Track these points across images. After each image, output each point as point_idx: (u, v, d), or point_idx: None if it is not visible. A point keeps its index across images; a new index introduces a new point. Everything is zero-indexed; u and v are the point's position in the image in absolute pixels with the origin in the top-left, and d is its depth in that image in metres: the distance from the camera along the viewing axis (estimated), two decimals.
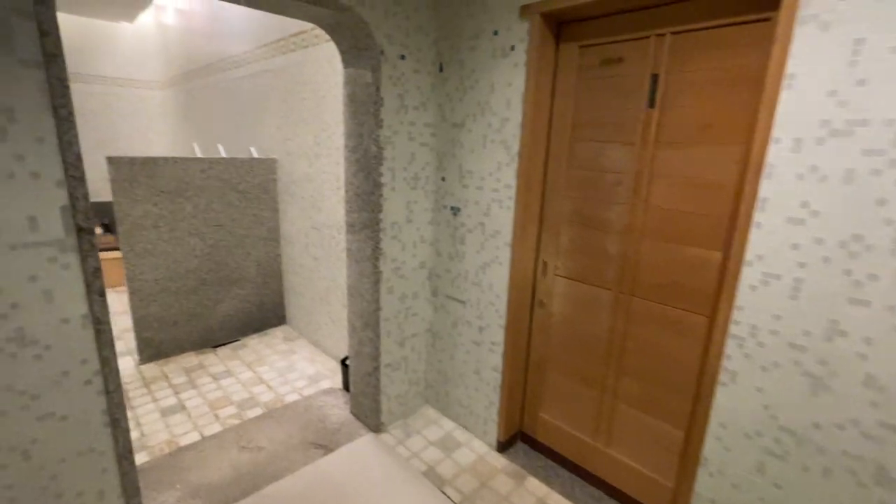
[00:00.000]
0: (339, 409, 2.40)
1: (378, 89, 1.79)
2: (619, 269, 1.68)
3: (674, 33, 1.41)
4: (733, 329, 1.31)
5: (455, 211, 2.07)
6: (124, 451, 1.39)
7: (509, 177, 1.81)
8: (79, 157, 1.16)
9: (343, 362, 2.59)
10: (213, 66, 3.96)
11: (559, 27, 1.69)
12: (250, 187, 3.27)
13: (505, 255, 1.89)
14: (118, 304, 4.00)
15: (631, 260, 1.64)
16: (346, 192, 2.04)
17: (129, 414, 2.44)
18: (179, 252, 3.01)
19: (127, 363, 2.99)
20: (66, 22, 4.83)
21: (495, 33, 1.75)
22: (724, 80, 1.34)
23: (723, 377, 1.36)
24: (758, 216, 1.23)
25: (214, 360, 3.08)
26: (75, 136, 1.15)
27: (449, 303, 2.20)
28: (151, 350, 3.02)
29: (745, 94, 1.30)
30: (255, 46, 3.26)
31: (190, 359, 3.09)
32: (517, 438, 2.18)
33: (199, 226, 3.06)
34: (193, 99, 4.54)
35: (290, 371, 2.95)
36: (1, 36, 1.03)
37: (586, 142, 1.69)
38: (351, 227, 2.06)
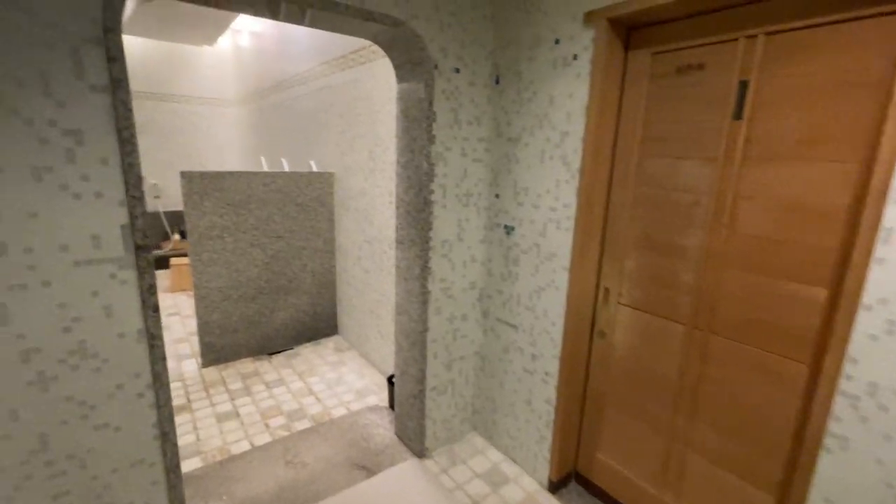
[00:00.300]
0: (383, 430, 2.35)
1: (430, 104, 1.73)
2: (694, 301, 1.48)
3: (769, 34, 1.22)
4: (844, 385, 1.08)
5: (509, 230, 1.96)
6: (172, 465, 1.41)
7: (568, 195, 1.67)
8: (139, 178, 1.20)
9: (390, 380, 2.54)
10: (280, 84, 4.16)
11: (629, 33, 1.54)
12: (308, 200, 3.36)
13: (562, 279, 1.75)
14: (189, 307, 4.27)
15: (709, 292, 1.43)
16: (397, 208, 2.00)
17: (188, 417, 2.55)
18: (241, 262, 3.14)
19: (191, 366, 3.16)
20: (155, 47, 5.32)
21: (556, 42, 1.64)
22: (834, 87, 1.13)
23: (829, 442, 1.12)
24: (881, 250, 1.00)
25: (269, 368, 3.17)
26: (136, 157, 1.18)
27: (500, 326, 2.08)
28: (213, 355, 3.16)
29: (863, 103, 1.09)
30: (318, 64, 3.37)
31: (247, 365, 3.20)
32: (571, 478, 2.00)
33: (259, 237, 3.19)
34: (263, 115, 4.80)
35: (338, 384, 2.96)
36: (73, 63, 1.08)
37: (658, 158, 1.52)
38: (400, 243, 2.02)
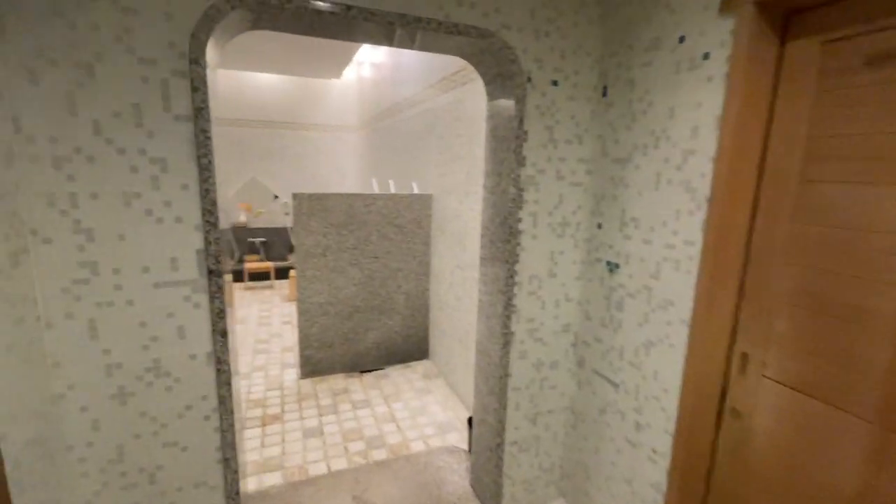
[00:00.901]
0: (458, 477, 2.14)
1: (521, 122, 1.53)
2: (889, 390, 1.01)
3: None
4: None
5: (612, 267, 1.64)
6: (231, 492, 1.39)
7: (692, 229, 1.31)
8: (214, 203, 1.21)
9: (470, 422, 2.33)
10: (391, 109, 4.34)
11: (787, 19, 1.16)
12: (406, 222, 3.37)
13: (679, 334, 1.38)
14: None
15: None
16: (482, 237, 1.82)
17: (279, 428, 2.65)
18: (340, 280, 3.25)
19: (291, 376, 3.33)
20: (291, 82, 6.01)
21: (681, 40, 1.32)
22: None
23: None
24: None
25: (358, 387, 3.19)
26: (213, 183, 1.20)
27: (597, 380, 1.74)
28: (310, 367, 3.30)
29: None
30: (423, 88, 3.40)
31: (339, 381, 3.27)
32: None
33: (358, 256, 3.27)
34: (376, 139, 5.07)
35: (421, 413, 2.84)
36: (162, 95, 1.13)
37: (832, 184, 1.10)
38: (483, 276, 1.82)
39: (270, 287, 5.77)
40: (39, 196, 1.07)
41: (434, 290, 3.47)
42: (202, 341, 1.28)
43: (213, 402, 1.32)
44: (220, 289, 1.25)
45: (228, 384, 1.32)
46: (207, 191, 1.19)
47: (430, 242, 3.47)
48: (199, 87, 1.14)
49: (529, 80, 1.52)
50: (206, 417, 1.32)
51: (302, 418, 2.77)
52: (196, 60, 1.13)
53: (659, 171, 1.42)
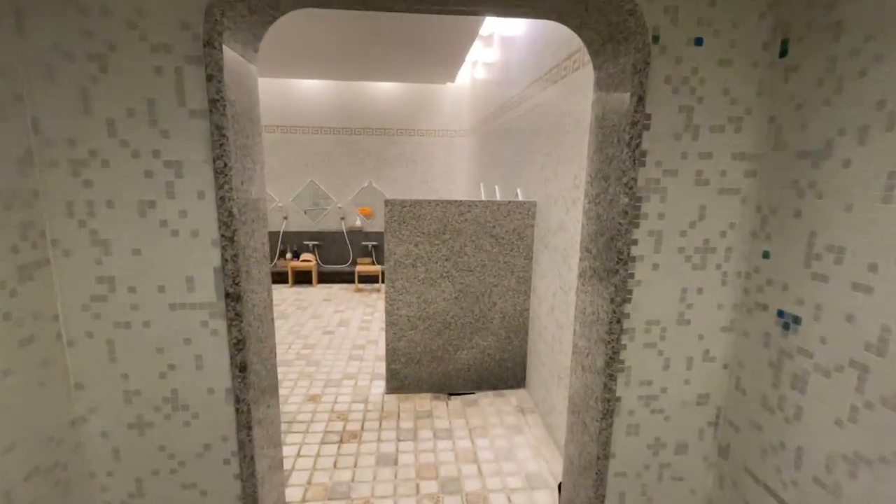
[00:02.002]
0: None
1: (641, 102, 1.06)
2: None
3: None
4: None
5: (790, 322, 1.05)
6: None
7: None
8: (230, 214, 1.01)
9: (560, 487, 1.86)
10: (500, 109, 4.01)
11: None
12: (504, 232, 2.99)
13: None
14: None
15: None
16: (580, 261, 1.37)
17: (354, 448, 2.49)
18: (431, 293, 3.02)
19: (377, 389, 3.20)
20: (406, 89, 6.07)
21: None
22: None
23: None
24: None
25: (443, 412, 2.91)
26: (230, 189, 1.00)
27: (749, 483, 1.15)
28: (396, 382, 3.13)
29: None
30: (531, 82, 3.00)
31: (424, 402, 3.03)
32: None
33: (450, 269, 3.00)
34: (484, 142, 4.79)
35: (508, 458, 2.43)
36: (177, 88, 0.96)
37: None
38: (580, 313, 1.37)
39: (377, 290, 5.88)
40: (59, 204, 0.99)
41: (534, 312, 3.02)
42: (221, 374, 1.10)
43: (233, 445, 1.14)
44: (239, 315, 1.06)
45: (249, 427, 1.12)
46: (223, 199, 1.00)
47: (533, 257, 3.04)
48: (214, 74, 0.95)
49: (656, 39, 1.04)
50: (226, 461, 1.15)
51: (379, 440, 2.58)
52: (210, 42, 0.94)
53: (892, 171, 0.83)
